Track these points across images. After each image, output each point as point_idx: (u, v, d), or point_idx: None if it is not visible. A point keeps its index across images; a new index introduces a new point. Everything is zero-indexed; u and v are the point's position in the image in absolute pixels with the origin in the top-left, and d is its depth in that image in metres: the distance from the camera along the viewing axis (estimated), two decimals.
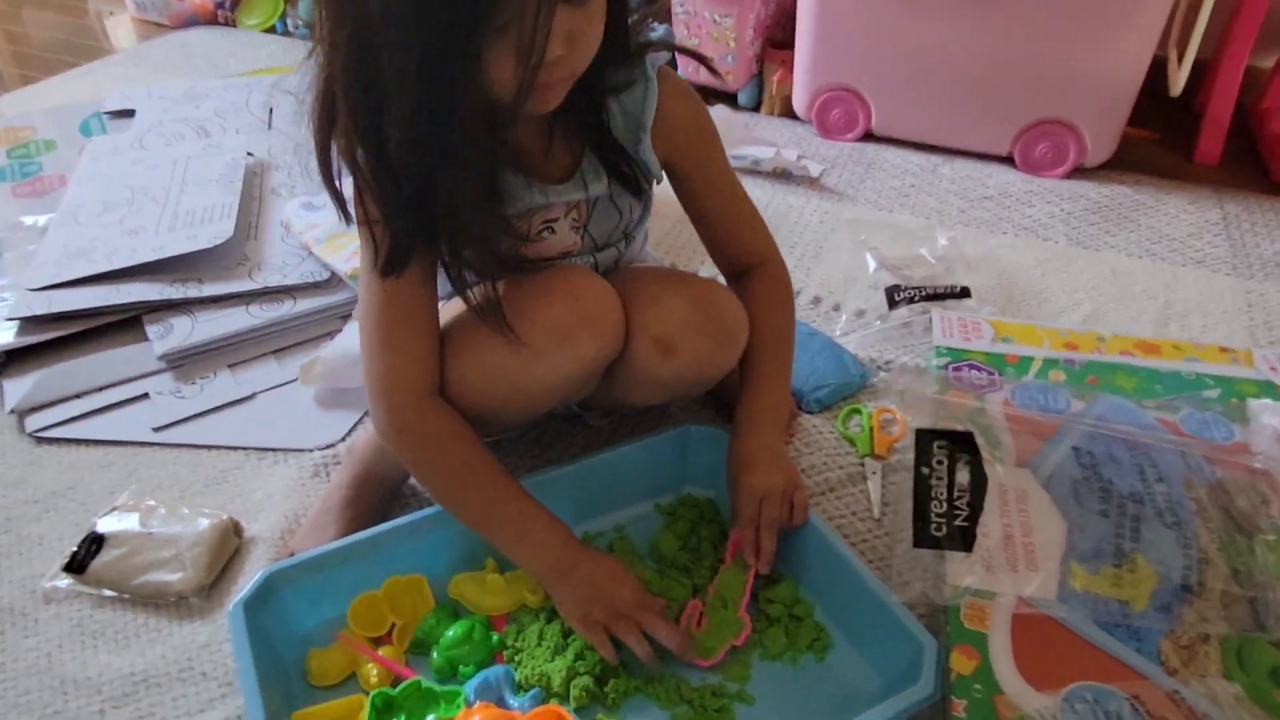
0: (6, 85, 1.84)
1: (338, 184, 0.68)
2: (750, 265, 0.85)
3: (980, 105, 1.40)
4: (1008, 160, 1.44)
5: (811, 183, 1.40)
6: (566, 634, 0.75)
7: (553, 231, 0.78)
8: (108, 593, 0.81)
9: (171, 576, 0.80)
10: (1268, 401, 0.88)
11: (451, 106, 0.60)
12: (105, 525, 0.84)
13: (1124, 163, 1.43)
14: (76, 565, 0.81)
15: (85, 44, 2.04)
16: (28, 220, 1.25)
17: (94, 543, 0.82)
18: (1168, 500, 0.77)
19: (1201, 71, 1.54)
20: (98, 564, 0.81)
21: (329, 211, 0.70)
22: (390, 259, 0.69)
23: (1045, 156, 1.40)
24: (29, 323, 1.05)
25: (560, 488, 0.83)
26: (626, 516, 0.87)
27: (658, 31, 0.74)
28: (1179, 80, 1.36)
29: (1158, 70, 1.37)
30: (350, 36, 0.58)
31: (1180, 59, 1.35)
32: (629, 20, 0.71)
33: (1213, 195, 1.37)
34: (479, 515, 0.74)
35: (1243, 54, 1.38)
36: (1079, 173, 1.41)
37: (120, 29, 2.13)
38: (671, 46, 0.77)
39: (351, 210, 0.69)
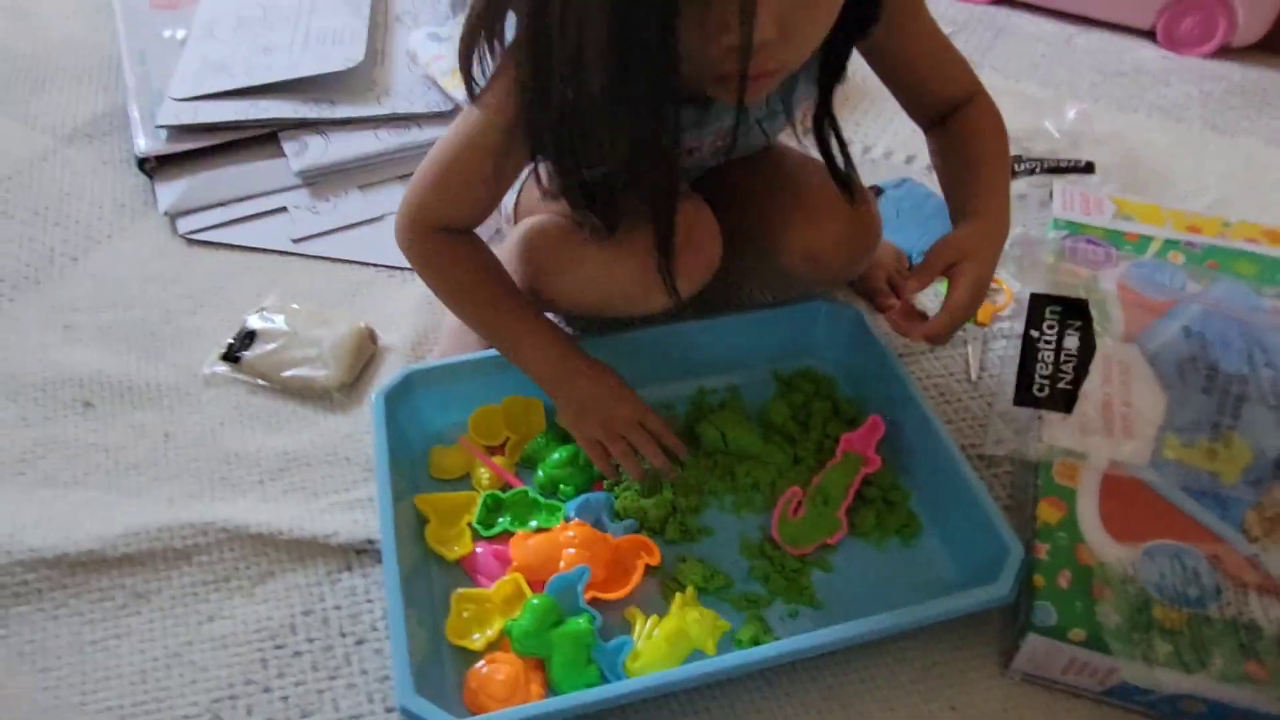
0: None
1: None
2: (957, 105, 0.81)
3: None
4: (1149, 35, 1.37)
5: None
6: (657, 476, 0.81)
7: (691, 155, 0.77)
8: (260, 382, 0.89)
9: (316, 373, 0.88)
10: None
11: (646, 87, 0.56)
12: (255, 322, 0.92)
13: (1277, 44, 1.34)
14: (232, 355, 0.90)
15: None
16: (166, 33, 1.29)
17: (246, 336, 0.90)
18: (1274, 384, 0.78)
19: None
20: (251, 356, 0.89)
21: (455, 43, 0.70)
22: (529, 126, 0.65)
23: (1191, 33, 1.33)
24: (176, 131, 1.11)
25: (680, 342, 0.87)
26: (743, 378, 0.89)
27: None
28: None
29: None
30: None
31: None
32: None
33: None
34: (481, 319, 0.78)
35: None
36: (1225, 52, 1.34)
37: None
38: None
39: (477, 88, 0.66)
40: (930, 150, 0.84)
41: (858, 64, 1.26)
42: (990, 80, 1.28)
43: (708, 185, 0.84)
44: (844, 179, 0.76)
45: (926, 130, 0.84)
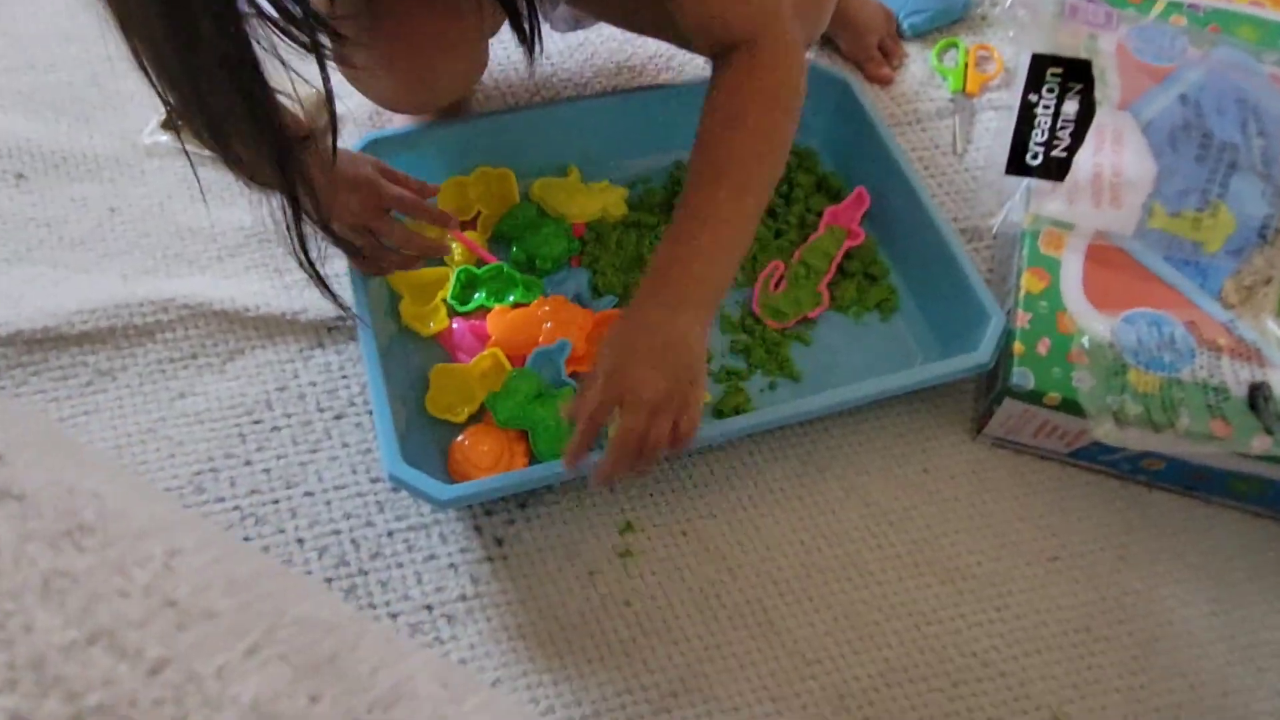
0: None
1: None
2: (731, 47, 0.59)
3: None
4: None
5: None
6: (642, 245, 0.78)
7: None
8: (207, 153, 0.82)
9: None
10: None
11: None
12: None
13: None
14: (173, 123, 0.82)
15: None
16: None
17: None
18: (1264, 154, 0.77)
19: None
20: None
21: None
22: None
23: None
24: None
25: (654, 112, 0.82)
26: None
27: None
28: None
29: None
30: None
31: None
32: None
33: None
34: None
35: None
36: None
37: None
38: None
39: None
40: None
41: None
42: None
43: None
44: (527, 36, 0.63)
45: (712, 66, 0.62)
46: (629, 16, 0.75)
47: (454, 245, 0.78)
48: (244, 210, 0.80)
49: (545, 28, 0.73)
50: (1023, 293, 0.70)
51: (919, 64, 0.93)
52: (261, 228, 0.79)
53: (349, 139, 0.83)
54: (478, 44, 0.74)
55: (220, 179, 0.82)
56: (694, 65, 0.92)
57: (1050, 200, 0.74)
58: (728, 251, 0.58)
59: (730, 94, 0.58)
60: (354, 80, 0.72)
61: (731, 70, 0.58)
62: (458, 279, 0.75)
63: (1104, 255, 0.72)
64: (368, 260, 0.69)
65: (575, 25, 0.84)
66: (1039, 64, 0.75)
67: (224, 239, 0.78)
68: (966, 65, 0.93)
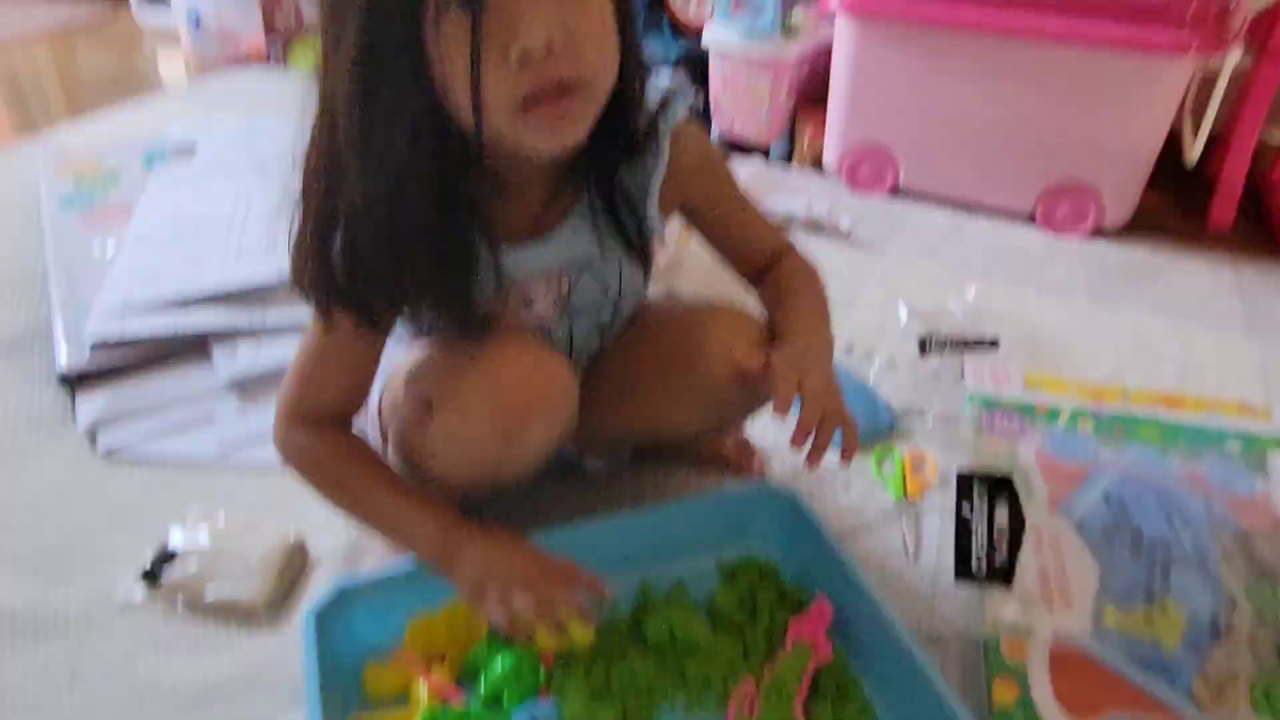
0: (54, 118, 1.92)
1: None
2: (772, 261, 0.85)
3: (1005, 165, 1.47)
4: (1030, 219, 1.50)
5: (842, 235, 1.46)
6: (610, 674, 0.78)
7: (529, 307, 0.77)
8: (180, 606, 0.84)
9: (241, 595, 0.83)
10: None
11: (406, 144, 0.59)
12: (176, 540, 0.88)
13: (1141, 226, 1.49)
14: (150, 576, 0.85)
15: (136, 80, 2.13)
16: (95, 252, 1.30)
17: (166, 557, 0.86)
18: (1194, 546, 0.81)
19: (1215, 143, 1.61)
20: (171, 578, 0.85)
21: None
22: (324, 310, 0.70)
23: (1066, 217, 1.46)
24: (102, 347, 1.09)
25: (617, 535, 0.87)
26: (685, 568, 0.88)
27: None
28: (1194, 152, 1.42)
29: (1173, 140, 1.43)
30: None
31: (1195, 131, 1.42)
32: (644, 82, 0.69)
33: (1227, 260, 1.43)
34: (359, 503, 0.76)
35: (1254, 129, 1.44)
36: (1098, 234, 1.47)
37: (171, 66, 2.22)
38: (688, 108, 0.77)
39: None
40: (760, 302, 0.85)
41: None
42: (893, 267, 1.39)
43: (609, 371, 0.86)
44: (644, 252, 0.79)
45: (754, 285, 0.86)
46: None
47: (420, 685, 0.76)
48: (207, 663, 0.79)
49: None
50: (996, 705, 0.70)
51: (860, 474, 1.01)
52: (221, 683, 0.78)
53: (323, 580, 0.86)
54: (570, 385, 0.76)
55: (186, 632, 0.82)
56: (671, 485, 0.98)
57: (1004, 605, 0.76)
58: (829, 336, 0.80)
59: (790, 270, 0.84)
60: (444, 434, 0.74)
61: (783, 261, 0.84)
62: None
63: (1068, 658, 0.73)
64: (521, 628, 0.73)
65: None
66: (963, 482, 0.82)
67: (180, 698, 0.76)
68: (904, 472, 1.01)
